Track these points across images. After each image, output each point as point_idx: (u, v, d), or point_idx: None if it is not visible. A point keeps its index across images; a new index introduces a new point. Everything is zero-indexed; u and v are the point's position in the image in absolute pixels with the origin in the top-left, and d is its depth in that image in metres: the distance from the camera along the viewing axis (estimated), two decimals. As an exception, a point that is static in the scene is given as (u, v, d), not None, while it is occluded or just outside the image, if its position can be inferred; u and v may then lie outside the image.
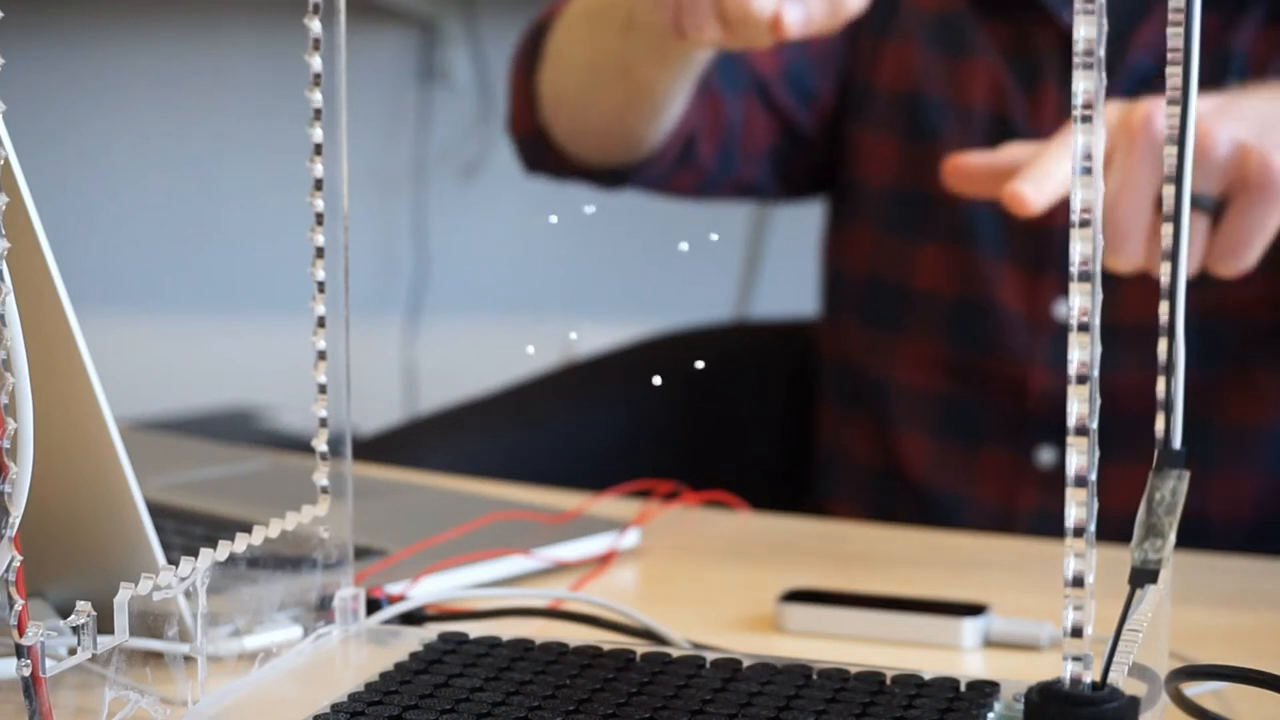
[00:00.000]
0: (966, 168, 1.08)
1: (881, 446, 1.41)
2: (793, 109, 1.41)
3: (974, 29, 1.36)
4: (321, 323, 0.78)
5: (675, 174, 1.39)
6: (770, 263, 2.73)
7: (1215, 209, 1.00)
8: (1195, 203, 0.99)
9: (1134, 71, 1.30)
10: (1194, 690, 0.74)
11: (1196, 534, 1.23)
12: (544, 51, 1.36)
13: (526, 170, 1.43)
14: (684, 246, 0.94)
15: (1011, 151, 1.07)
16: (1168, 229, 0.69)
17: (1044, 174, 1.00)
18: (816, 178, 1.47)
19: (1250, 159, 0.99)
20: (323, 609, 0.82)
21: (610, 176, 1.39)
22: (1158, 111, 0.99)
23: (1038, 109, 1.34)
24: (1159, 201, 0.96)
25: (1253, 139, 0.99)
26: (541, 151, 1.40)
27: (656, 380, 0.83)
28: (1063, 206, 1.32)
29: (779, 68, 1.40)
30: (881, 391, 1.41)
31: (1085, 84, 0.56)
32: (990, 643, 0.90)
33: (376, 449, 1.38)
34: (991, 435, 1.36)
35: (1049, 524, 1.22)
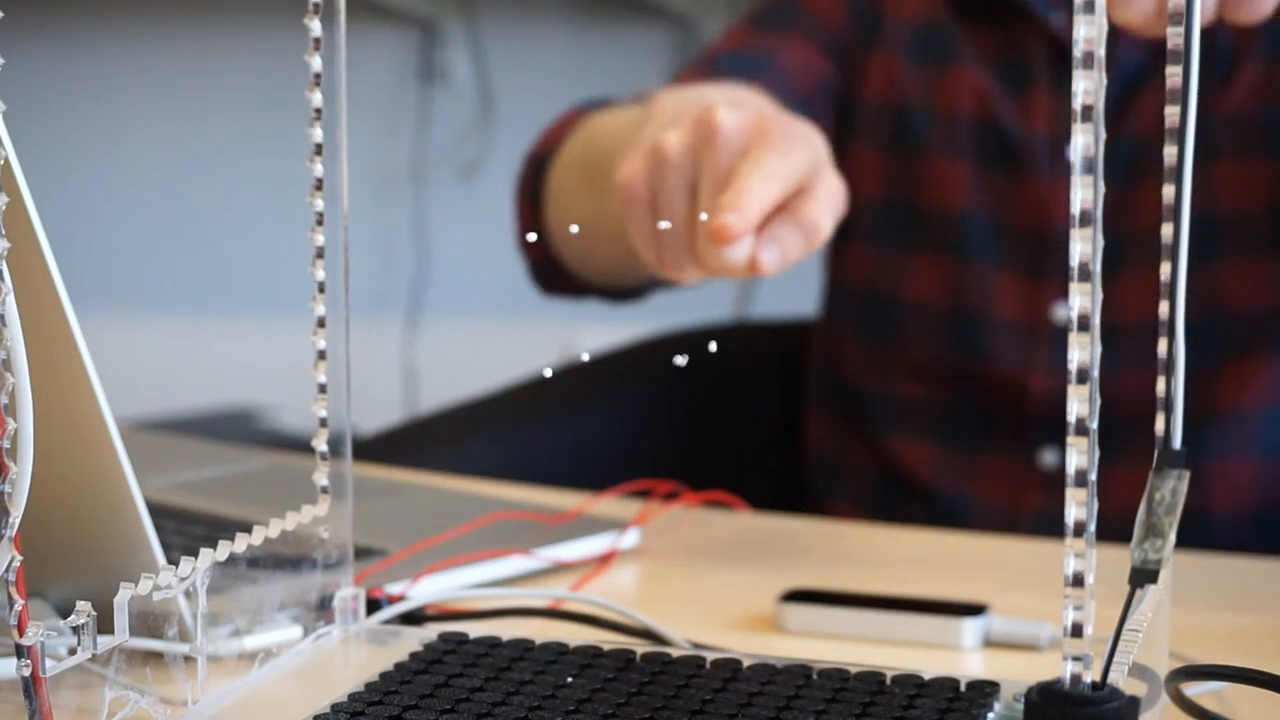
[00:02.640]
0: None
1: (879, 456, 1.41)
2: None
3: (958, 37, 1.36)
4: (321, 323, 0.78)
5: None
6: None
7: None
8: None
9: (1125, 66, 1.30)
10: (1194, 690, 0.74)
11: (1197, 525, 1.24)
12: (545, 188, 1.36)
13: (541, 292, 1.44)
14: None
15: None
16: (1169, 228, 0.69)
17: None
18: None
19: None
20: (323, 609, 0.82)
21: (626, 295, 1.41)
22: None
23: (1028, 113, 1.34)
24: None
25: None
26: (555, 278, 1.41)
27: (681, 360, 0.82)
28: (1061, 208, 1.32)
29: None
30: (880, 403, 1.40)
31: (1085, 84, 0.56)
32: (990, 643, 0.90)
33: (376, 449, 1.38)
34: (994, 439, 1.36)
35: (1053, 526, 1.22)
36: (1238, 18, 0.98)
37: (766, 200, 0.99)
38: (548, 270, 1.41)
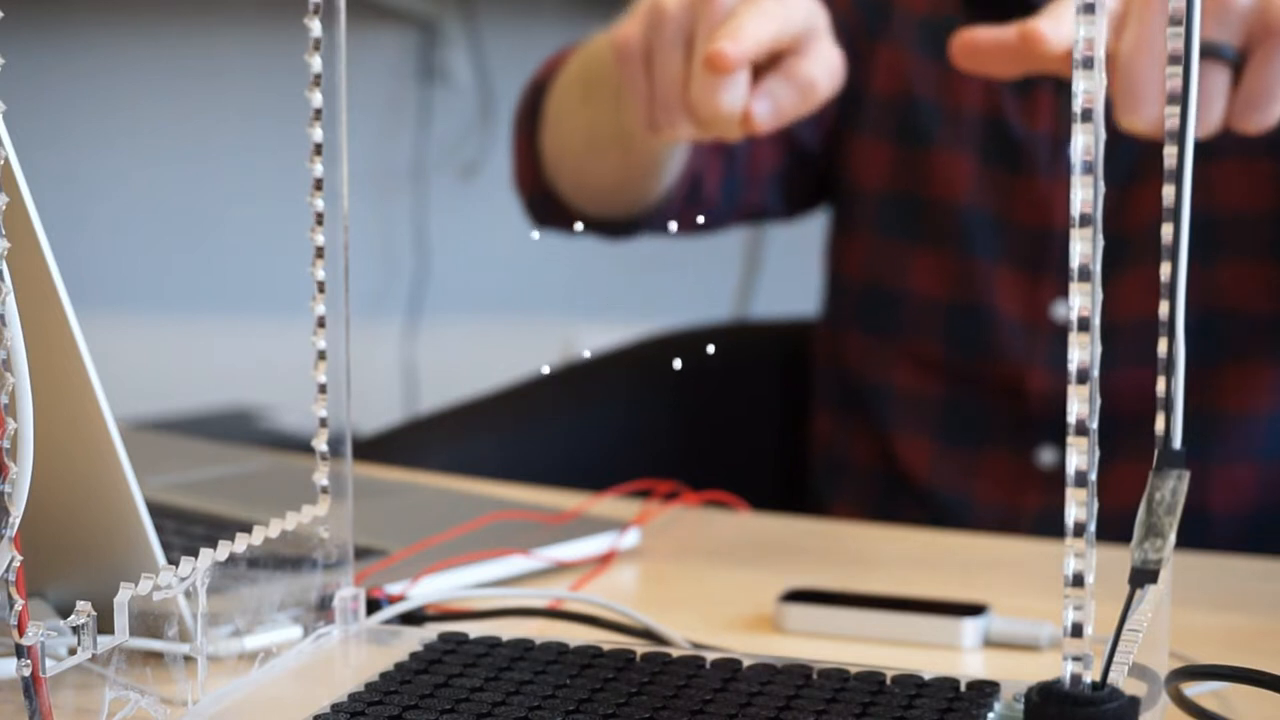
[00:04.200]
0: (977, 44, 1.04)
1: (881, 452, 1.41)
2: (797, 127, 1.41)
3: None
4: (321, 323, 0.79)
5: (684, 215, 1.40)
6: (770, 263, 2.73)
7: (1237, 61, 0.97)
8: (1217, 53, 0.96)
9: None
10: (1194, 690, 0.74)
11: (1197, 527, 1.24)
12: (542, 113, 1.36)
13: (535, 226, 1.44)
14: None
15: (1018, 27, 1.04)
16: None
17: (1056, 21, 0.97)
18: (819, 191, 1.47)
19: (1274, 7, 0.95)
20: (323, 609, 0.82)
21: (619, 229, 1.40)
22: None
23: (1032, 110, 1.34)
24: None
25: None
26: (549, 208, 1.40)
27: (678, 364, 0.83)
28: (1063, 207, 1.32)
29: None
30: (881, 397, 1.40)
31: (1085, 84, 0.56)
32: (990, 643, 0.89)
33: (376, 449, 1.38)
34: (993, 437, 1.36)
35: (1052, 525, 1.22)
36: (1243, 127, 0.99)
37: (761, 36, 1.00)
38: (542, 203, 1.40)
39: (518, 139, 1.39)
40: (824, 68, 1.04)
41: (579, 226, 1.42)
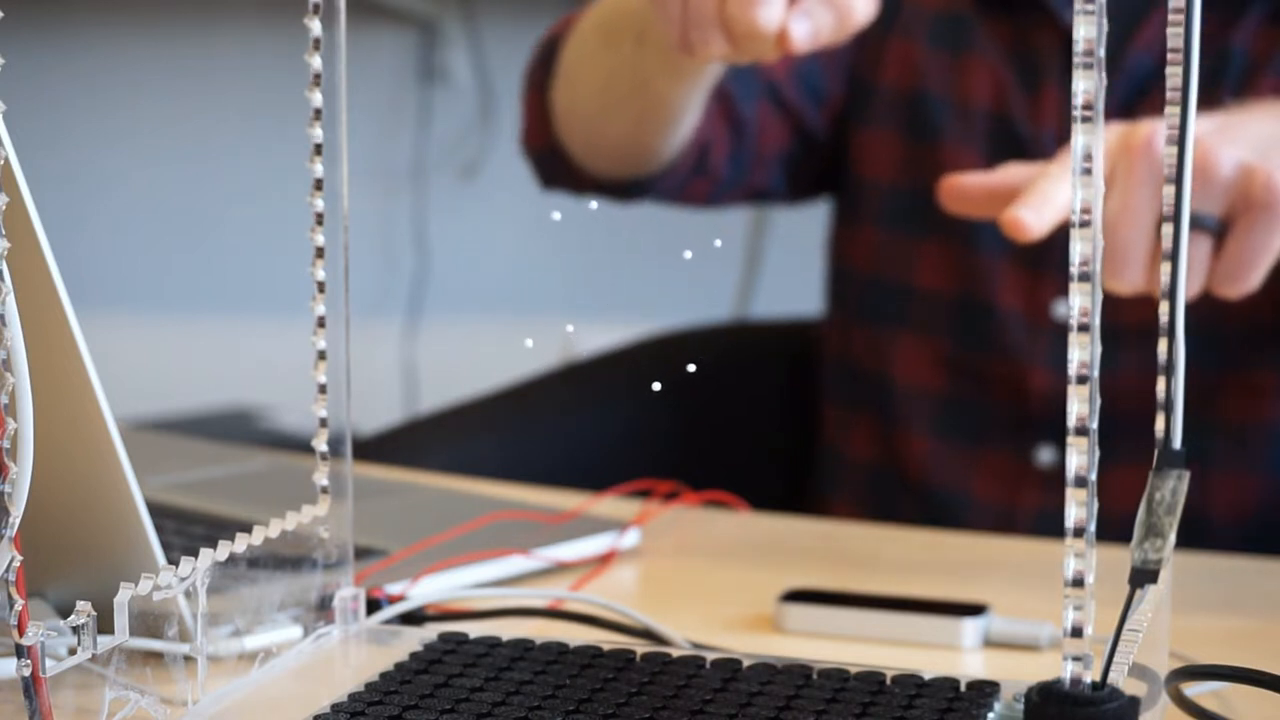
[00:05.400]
0: (964, 189, 1.06)
1: (882, 446, 1.41)
2: (804, 110, 1.41)
3: (976, 27, 1.36)
4: (321, 323, 0.79)
5: (690, 184, 1.39)
6: (770, 263, 2.73)
7: (1219, 230, 0.99)
8: (1198, 223, 0.98)
9: (1134, 70, 1.30)
10: (1194, 690, 0.74)
11: (1198, 534, 1.23)
12: (556, 67, 1.35)
13: (542, 186, 1.43)
14: (688, 255, 0.94)
15: (1010, 172, 1.05)
16: (1168, 229, 0.69)
17: (1044, 199, 0.98)
18: (823, 179, 1.47)
19: (1255, 179, 0.98)
20: (323, 609, 0.82)
21: (627, 190, 1.40)
22: (1158, 134, 0.98)
23: (1039, 109, 1.34)
24: (1160, 224, 0.96)
25: (1256, 159, 0.99)
26: (557, 167, 1.40)
27: (656, 386, 0.83)
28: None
29: (791, 69, 1.40)
30: (883, 390, 1.41)
31: (1085, 84, 0.56)
32: (990, 643, 0.90)
33: (376, 449, 1.38)
34: (992, 435, 1.36)
35: (1050, 524, 1.22)
36: (1224, 293, 1.00)
37: None
38: (551, 161, 1.40)
39: (529, 94, 1.38)
40: None
41: (586, 191, 1.41)
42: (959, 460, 1.37)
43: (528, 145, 1.41)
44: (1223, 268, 0.99)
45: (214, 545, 0.72)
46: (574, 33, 1.34)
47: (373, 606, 0.84)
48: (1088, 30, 0.55)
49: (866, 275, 1.42)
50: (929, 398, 1.38)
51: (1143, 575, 0.60)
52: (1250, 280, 1.00)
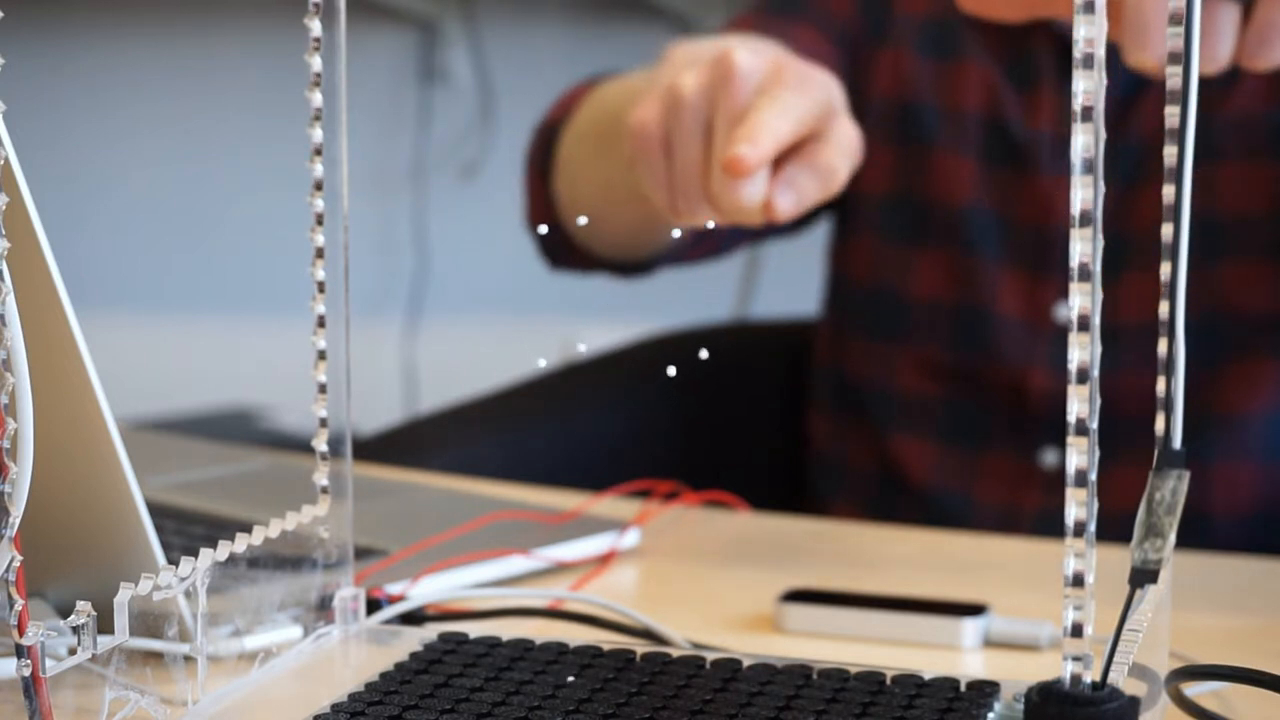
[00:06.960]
0: None
1: (879, 454, 1.41)
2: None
3: (966, 32, 1.36)
4: (321, 323, 0.79)
5: (695, 249, 1.40)
6: (770, 263, 2.73)
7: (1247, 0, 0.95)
8: None
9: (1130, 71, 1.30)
10: (1194, 690, 0.74)
11: (1197, 528, 1.23)
12: (556, 157, 1.35)
13: (549, 267, 1.44)
14: None
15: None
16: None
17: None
18: (822, 206, 1.47)
19: None
20: (323, 609, 0.82)
21: (633, 269, 1.40)
22: None
23: (1033, 111, 1.34)
24: None
25: None
26: (561, 249, 1.40)
27: (671, 371, 0.83)
28: (1064, 207, 1.32)
29: None
30: (882, 400, 1.40)
31: (1085, 84, 0.56)
32: (990, 643, 0.90)
33: (376, 449, 1.38)
34: (994, 438, 1.36)
35: (1053, 525, 1.21)
36: (1252, 64, 0.97)
37: (781, 134, 0.98)
38: (556, 244, 1.40)
39: (530, 180, 1.38)
40: (845, 150, 1.04)
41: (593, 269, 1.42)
42: (961, 465, 1.37)
43: (532, 227, 1.41)
44: (1251, 37, 0.95)
45: (214, 545, 0.72)
46: (570, 128, 1.33)
47: (373, 606, 0.84)
48: (1088, 30, 0.55)
49: (866, 286, 1.42)
50: (930, 404, 1.38)
51: (1143, 575, 0.60)
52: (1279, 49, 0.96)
